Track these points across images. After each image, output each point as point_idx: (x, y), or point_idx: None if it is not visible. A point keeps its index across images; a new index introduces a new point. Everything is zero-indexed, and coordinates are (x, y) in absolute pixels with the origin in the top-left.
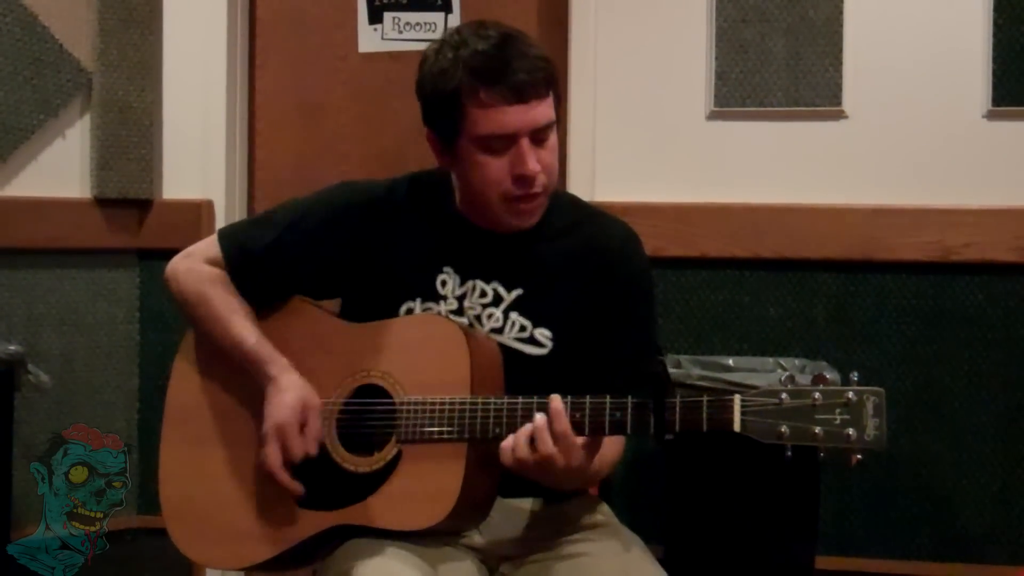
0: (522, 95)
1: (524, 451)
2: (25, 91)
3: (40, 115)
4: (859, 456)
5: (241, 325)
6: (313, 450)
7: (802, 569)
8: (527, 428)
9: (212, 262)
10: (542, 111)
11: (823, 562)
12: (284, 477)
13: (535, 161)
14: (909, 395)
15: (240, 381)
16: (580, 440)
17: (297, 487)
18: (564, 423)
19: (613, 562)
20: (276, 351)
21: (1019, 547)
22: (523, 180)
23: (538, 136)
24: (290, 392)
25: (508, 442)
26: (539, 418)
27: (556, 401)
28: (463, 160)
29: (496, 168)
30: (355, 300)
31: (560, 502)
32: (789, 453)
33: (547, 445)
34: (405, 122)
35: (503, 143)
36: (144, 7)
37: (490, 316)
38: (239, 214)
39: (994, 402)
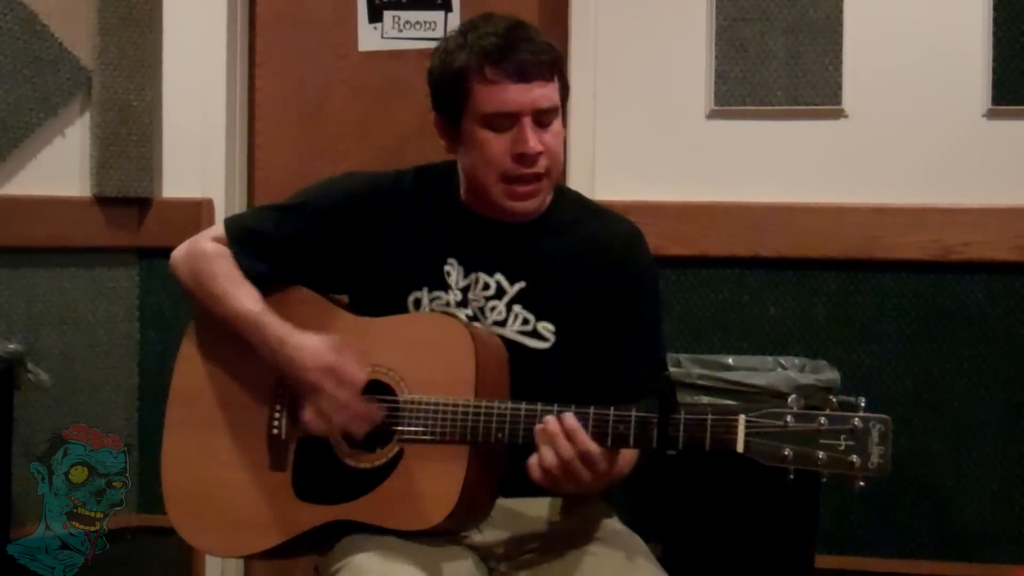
0: (526, 75)
1: (550, 461)
2: (25, 90)
3: (40, 114)
4: (862, 483)
5: (246, 296)
6: (364, 378)
7: (801, 568)
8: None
9: (216, 241)
10: (545, 94)
11: (822, 561)
12: (364, 406)
13: (536, 140)
14: (909, 394)
15: (246, 368)
16: (600, 452)
17: (378, 410)
18: (584, 440)
19: (612, 561)
20: (282, 319)
21: (1019, 546)
22: (523, 158)
23: (541, 119)
24: (311, 339)
25: (533, 459)
26: (553, 425)
27: (571, 419)
28: (467, 140)
29: (497, 146)
30: (362, 291)
31: (559, 502)
32: (792, 476)
33: (568, 452)
34: (405, 121)
35: (505, 121)
36: (144, 6)
37: (493, 309)
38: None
39: (994, 401)
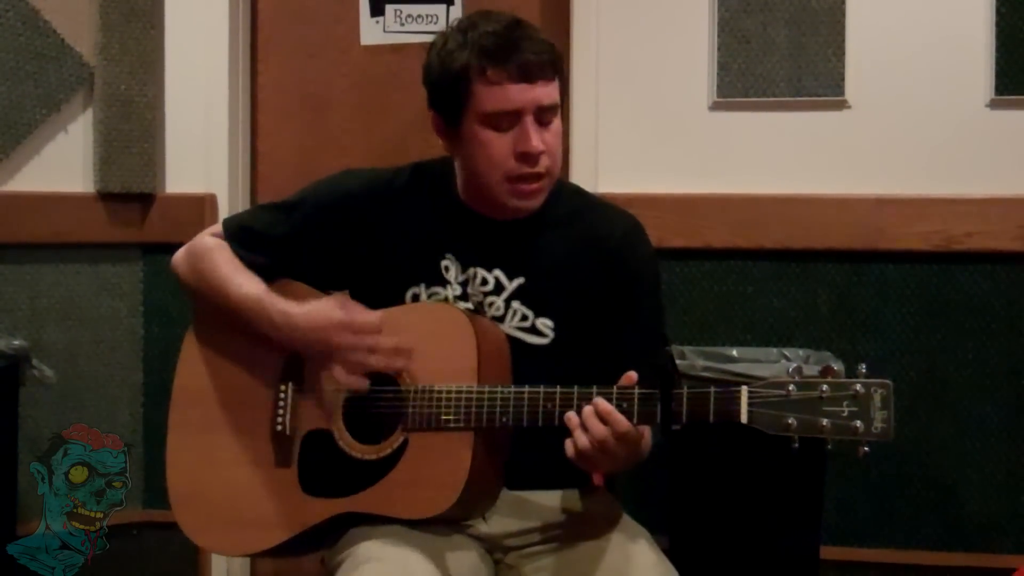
0: (528, 75)
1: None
2: (27, 86)
3: (42, 110)
4: (866, 448)
5: (247, 281)
6: (378, 318)
7: (806, 559)
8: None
9: (216, 237)
10: (547, 92)
11: (827, 552)
12: (390, 343)
13: (539, 139)
14: (913, 385)
15: (248, 367)
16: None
17: (398, 360)
18: (620, 421)
19: (617, 552)
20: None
21: None
22: (526, 157)
23: (542, 117)
24: (315, 303)
25: (569, 442)
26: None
27: (603, 403)
28: (467, 141)
29: (500, 146)
30: (362, 287)
31: (564, 493)
32: (796, 445)
33: (601, 432)
34: (407, 114)
35: (508, 120)
36: (145, 1)
37: (491, 304)
38: (242, 207)
39: (998, 391)
